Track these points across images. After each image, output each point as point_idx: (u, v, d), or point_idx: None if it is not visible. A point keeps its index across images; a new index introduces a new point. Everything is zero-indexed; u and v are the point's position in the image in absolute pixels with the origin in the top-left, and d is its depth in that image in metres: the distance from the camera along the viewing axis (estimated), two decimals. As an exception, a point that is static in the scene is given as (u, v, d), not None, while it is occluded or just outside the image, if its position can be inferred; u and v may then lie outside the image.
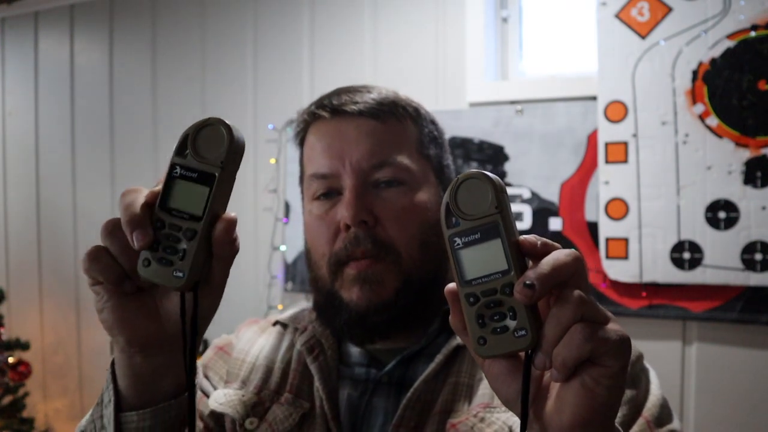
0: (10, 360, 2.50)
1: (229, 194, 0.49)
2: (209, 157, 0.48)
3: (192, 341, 0.50)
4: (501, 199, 0.45)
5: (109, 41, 2.59)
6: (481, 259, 0.45)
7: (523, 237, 0.45)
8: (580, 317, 0.42)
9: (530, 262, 0.45)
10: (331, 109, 0.76)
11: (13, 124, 2.84)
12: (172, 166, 0.48)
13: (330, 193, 0.74)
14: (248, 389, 0.76)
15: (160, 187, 0.49)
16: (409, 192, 0.73)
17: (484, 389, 0.69)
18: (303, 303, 0.87)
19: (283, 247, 2.18)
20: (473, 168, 1.87)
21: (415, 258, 0.72)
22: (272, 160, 2.21)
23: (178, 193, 0.48)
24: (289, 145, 2.18)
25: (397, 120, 0.76)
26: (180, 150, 0.48)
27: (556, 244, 0.45)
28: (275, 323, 0.85)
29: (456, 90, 1.98)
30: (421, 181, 0.75)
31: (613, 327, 0.43)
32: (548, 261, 0.43)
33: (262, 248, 2.21)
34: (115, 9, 2.58)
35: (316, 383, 0.74)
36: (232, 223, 0.49)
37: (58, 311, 2.74)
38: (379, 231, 0.71)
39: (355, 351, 0.78)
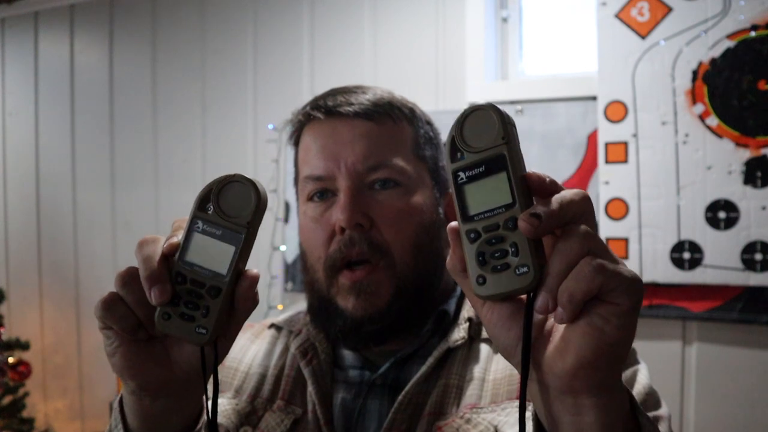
0: (10, 360, 2.50)
1: (251, 249, 0.49)
2: (234, 215, 0.47)
3: (215, 392, 0.51)
4: (508, 130, 0.43)
5: (109, 41, 2.59)
6: (485, 194, 0.42)
7: (531, 171, 0.43)
8: (588, 251, 0.40)
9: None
10: (326, 111, 0.75)
11: (13, 124, 2.84)
12: (193, 221, 0.48)
13: (325, 194, 0.73)
14: (242, 398, 0.76)
15: (177, 239, 0.48)
16: (405, 194, 0.73)
17: (472, 390, 0.69)
18: (302, 304, 0.87)
19: (283, 247, 2.19)
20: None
21: (408, 262, 0.72)
22: (272, 160, 2.21)
23: (200, 248, 0.48)
24: (290, 145, 2.18)
25: (392, 121, 0.75)
26: (202, 204, 0.48)
27: (564, 187, 0.43)
28: (270, 326, 0.85)
29: (456, 90, 1.98)
30: (416, 183, 0.74)
31: (625, 266, 0.41)
32: (557, 197, 0.41)
33: (262, 248, 2.20)
34: (115, 9, 2.58)
35: (309, 387, 0.73)
36: (256, 280, 0.49)
37: (58, 311, 2.74)
38: (375, 234, 0.71)
39: (348, 354, 0.78)
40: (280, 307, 2.19)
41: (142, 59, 2.51)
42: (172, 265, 0.48)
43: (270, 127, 2.22)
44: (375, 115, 0.74)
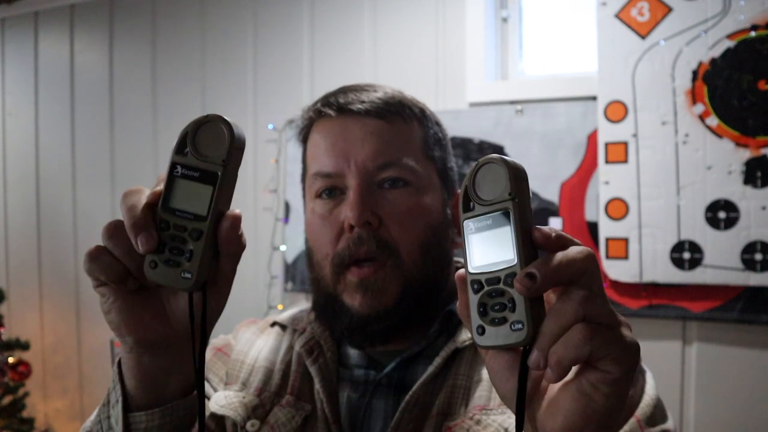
0: (10, 360, 2.50)
1: (233, 191, 0.49)
2: (210, 155, 0.47)
3: (202, 342, 0.50)
4: (516, 185, 0.43)
5: (109, 41, 2.59)
6: (490, 247, 0.44)
7: (537, 227, 0.43)
8: (583, 316, 0.40)
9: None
10: (337, 108, 0.74)
11: (13, 124, 2.84)
12: (173, 166, 0.48)
13: (333, 192, 0.73)
14: (249, 391, 0.75)
15: (161, 187, 0.48)
16: (414, 194, 0.73)
17: (480, 391, 0.69)
18: (302, 303, 0.87)
19: (283, 247, 2.18)
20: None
21: (416, 261, 0.72)
22: (272, 160, 2.21)
23: (181, 192, 0.47)
24: (290, 145, 2.18)
25: (403, 121, 0.75)
26: (180, 148, 0.48)
27: (575, 240, 0.43)
28: (273, 324, 0.84)
29: (456, 90, 1.98)
30: (425, 183, 0.74)
31: (623, 332, 0.41)
32: (558, 255, 0.41)
33: (262, 248, 2.20)
34: (115, 9, 2.58)
35: (317, 385, 0.73)
36: (237, 220, 0.48)
37: (58, 311, 2.74)
38: (383, 232, 0.71)
39: (353, 353, 0.78)
40: (280, 307, 2.19)
41: (142, 59, 2.51)
42: (157, 213, 0.48)
43: (270, 127, 2.22)
44: (386, 114, 0.73)
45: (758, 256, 1.55)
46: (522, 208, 0.43)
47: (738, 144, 1.57)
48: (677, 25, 1.61)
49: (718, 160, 1.59)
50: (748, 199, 1.56)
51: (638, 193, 1.67)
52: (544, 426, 0.42)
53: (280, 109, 2.20)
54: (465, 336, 0.73)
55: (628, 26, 1.66)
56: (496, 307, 0.43)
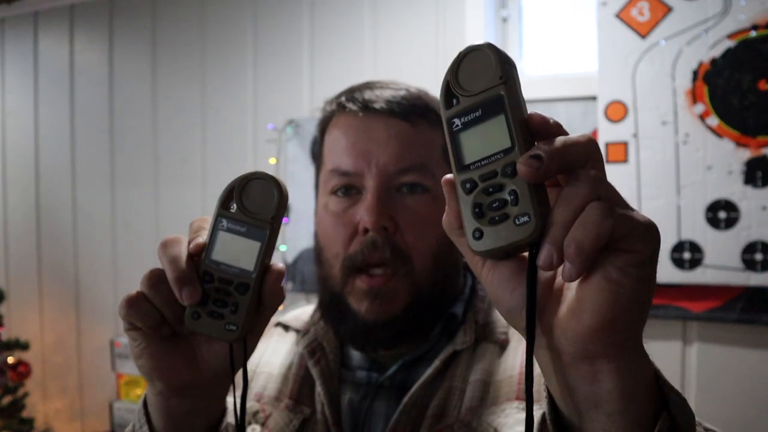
0: (10, 360, 2.50)
1: (275, 245, 0.50)
2: (258, 212, 0.48)
3: (243, 390, 0.51)
4: (506, 70, 0.39)
5: (109, 41, 2.59)
6: (482, 140, 0.39)
7: (533, 112, 0.39)
8: (597, 196, 0.35)
9: None
10: (361, 104, 0.73)
11: (13, 124, 2.84)
12: (218, 219, 0.48)
13: (349, 190, 0.72)
14: (248, 396, 0.75)
15: (202, 238, 0.49)
16: (432, 201, 0.71)
17: (474, 392, 0.68)
18: (302, 303, 0.87)
19: (283, 247, 2.18)
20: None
21: (427, 270, 0.71)
22: (272, 160, 2.21)
23: (225, 246, 0.48)
24: (290, 145, 2.18)
25: (428, 124, 0.73)
26: (225, 203, 0.48)
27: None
28: (277, 324, 0.84)
29: (456, 90, 1.98)
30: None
31: (637, 212, 0.36)
32: (560, 138, 0.37)
33: (262, 248, 2.20)
34: (115, 9, 2.58)
35: (318, 388, 0.73)
36: (282, 275, 0.49)
37: (58, 311, 2.74)
38: (398, 238, 0.69)
39: (356, 354, 0.77)
40: (280, 307, 2.19)
41: (142, 59, 2.51)
42: (199, 264, 0.48)
43: (270, 127, 2.22)
44: (411, 116, 0.72)
45: (758, 256, 1.55)
46: (515, 93, 0.39)
47: (738, 144, 1.57)
48: (677, 25, 1.61)
49: (718, 160, 1.59)
50: (749, 199, 1.56)
51: (638, 193, 1.67)
52: (566, 332, 0.37)
53: (280, 109, 2.20)
54: (463, 338, 0.73)
55: (629, 26, 1.66)
56: (494, 205, 0.38)
